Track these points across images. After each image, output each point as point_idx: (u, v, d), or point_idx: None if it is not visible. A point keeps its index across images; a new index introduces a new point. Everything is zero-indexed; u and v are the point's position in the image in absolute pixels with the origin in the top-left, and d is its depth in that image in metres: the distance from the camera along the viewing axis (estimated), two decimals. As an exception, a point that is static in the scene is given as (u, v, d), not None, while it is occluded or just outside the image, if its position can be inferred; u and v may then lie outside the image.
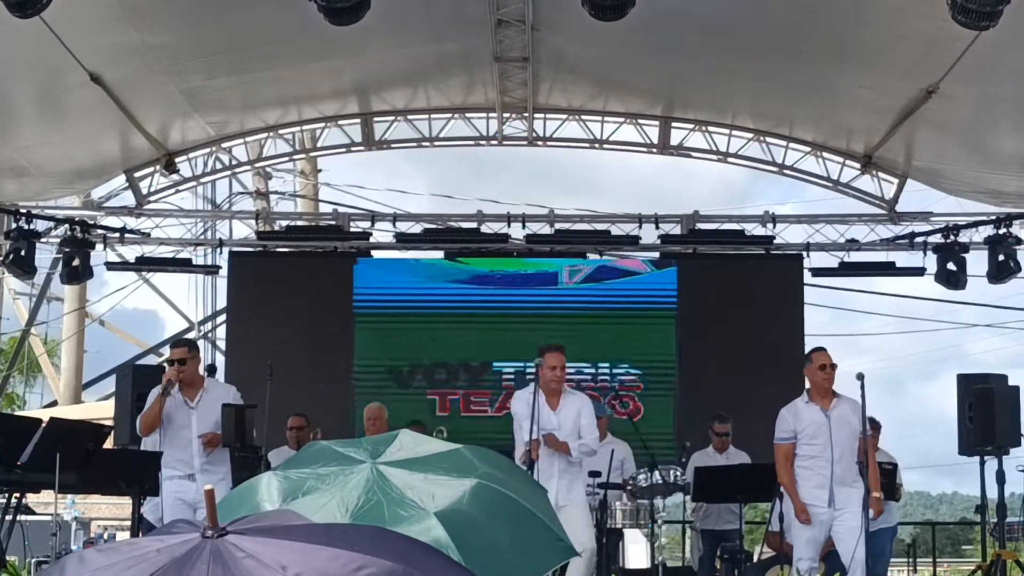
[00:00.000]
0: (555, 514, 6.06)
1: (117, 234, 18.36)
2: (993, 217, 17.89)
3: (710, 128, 18.40)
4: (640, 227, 18.57)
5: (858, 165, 18.22)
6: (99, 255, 18.40)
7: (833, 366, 11.56)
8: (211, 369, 12.77)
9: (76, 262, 17.88)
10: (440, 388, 18.36)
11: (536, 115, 18.22)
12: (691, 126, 18.45)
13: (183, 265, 19.18)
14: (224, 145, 18.52)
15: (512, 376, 18.13)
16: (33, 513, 14.84)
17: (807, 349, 18.03)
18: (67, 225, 17.94)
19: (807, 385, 11.82)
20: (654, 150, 18.69)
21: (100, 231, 18.29)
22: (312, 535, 2.96)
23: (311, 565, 2.75)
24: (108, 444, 12.73)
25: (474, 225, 18.81)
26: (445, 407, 18.32)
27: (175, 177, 18.49)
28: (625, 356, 18.38)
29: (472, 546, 5.00)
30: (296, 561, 2.76)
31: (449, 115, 18.43)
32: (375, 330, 18.48)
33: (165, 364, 12.18)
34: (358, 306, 18.38)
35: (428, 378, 18.41)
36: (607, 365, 18.29)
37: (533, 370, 12.07)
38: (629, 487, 13.14)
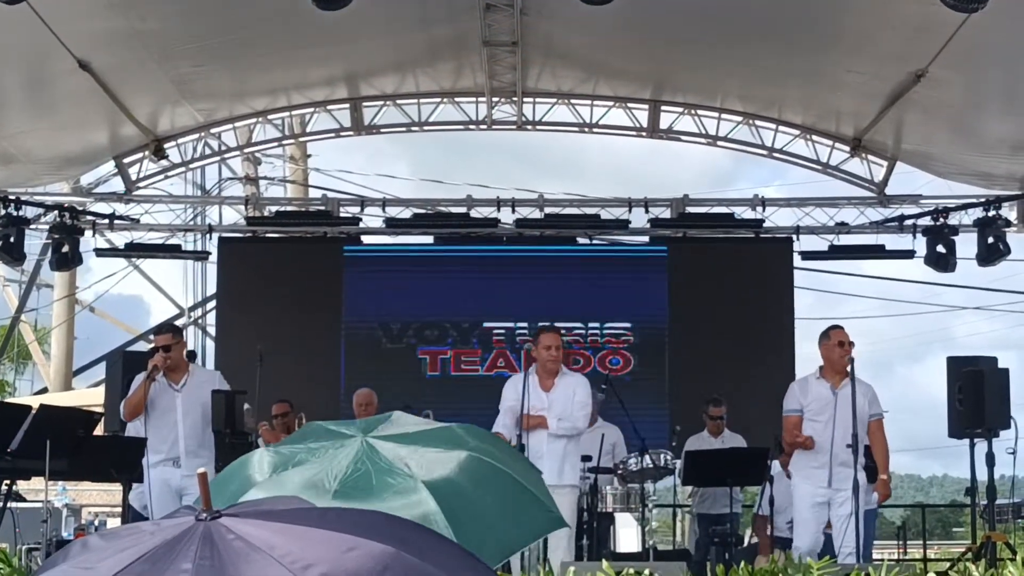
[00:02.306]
0: (547, 490, 6.09)
1: (106, 220, 18.33)
2: (982, 200, 17.91)
3: (699, 111, 18.39)
4: (630, 211, 18.58)
5: (847, 148, 18.20)
6: (88, 241, 18.39)
7: (851, 344, 11.58)
8: (191, 355, 12.76)
9: (65, 248, 17.86)
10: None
11: (525, 99, 18.21)
12: (680, 110, 18.43)
13: (172, 251, 19.14)
14: (213, 131, 18.49)
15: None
16: (24, 500, 14.83)
17: (797, 332, 18.20)
18: (56, 211, 17.91)
19: (820, 362, 11.81)
20: (643, 134, 18.68)
21: (89, 217, 18.27)
22: (306, 518, 2.97)
23: (301, 547, 2.77)
24: (99, 431, 12.75)
25: (463, 210, 18.81)
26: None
27: (164, 163, 18.46)
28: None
29: (460, 512, 5.06)
30: (286, 543, 2.78)
31: (438, 100, 18.41)
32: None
33: (151, 350, 12.17)
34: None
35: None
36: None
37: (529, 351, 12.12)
38: (620, 471, 13.17)
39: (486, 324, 18.33)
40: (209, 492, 3.03)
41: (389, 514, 3.41)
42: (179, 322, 25.31)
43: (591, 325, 18.27)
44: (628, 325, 18.31)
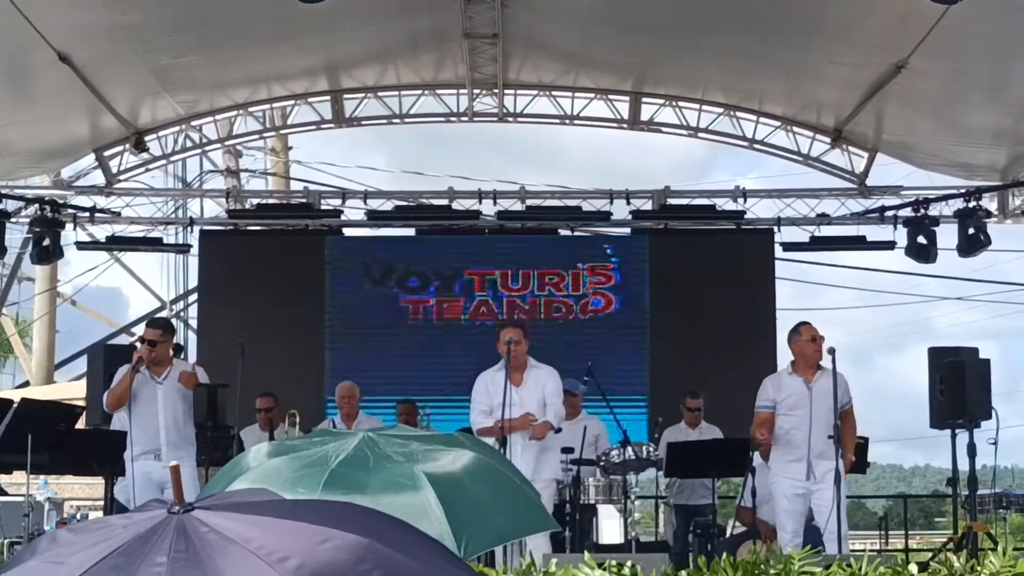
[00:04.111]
0: (540, 496, 6.15)
1: (87, 213, 18.30)
2: (963, 190, 17.94)
3: (680, 103, 18.39)
4: (611, 203, 18.57)
5: (828, 139, 18.22)
6: (69, 235, 18.35)
7: (822, 338, 11.64)
8: (177, 348, 12.74)
9: (46, 242, 17.82)
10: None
11: (506, 91, 18.20)
12: (661, 101, 18.44)
13: (154, 244, 19.12)
14: (194, 123, 18.46)
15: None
16: (5, 494, 14.81)
17: (779, 324, 18.20)
18: (37, 205, 17.87)
19: (791, 357, 11.84)
20: (624, 126, 18.69)
21: (70, 211, 18.22)
22: (278, 510, 2.97)
23: (275, 539, 2.76)
24: (81, 424, 12.73)
25: (445, 202, 18.80)
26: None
27: (145, 156, 18.42)
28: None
29: (454, 498, 5.14)
30: (260, 535, 2.77)
31: (419, 92, 18.39)
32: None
33: (136, 343, 12.16)
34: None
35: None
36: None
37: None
38: (602, 463, 13.18)
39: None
40: (182, 485, 3.03)
41: (361, 506, 3.41)
42: (161, 315, 25.26)
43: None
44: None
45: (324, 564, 2.74)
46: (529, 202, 18.75)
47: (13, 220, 18.10)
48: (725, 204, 18.68)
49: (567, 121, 18.72)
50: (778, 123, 18.39)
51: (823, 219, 18.49)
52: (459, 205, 18.67)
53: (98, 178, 18.59)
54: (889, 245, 18.17)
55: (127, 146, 18.08)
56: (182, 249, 20.02)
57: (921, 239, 17.86)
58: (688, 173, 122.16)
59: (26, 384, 30.03)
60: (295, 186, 25.63)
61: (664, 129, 18.75)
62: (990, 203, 18.11)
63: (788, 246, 18.49)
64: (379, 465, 5.24)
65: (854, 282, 25.93)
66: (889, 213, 18.16)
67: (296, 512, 2.97)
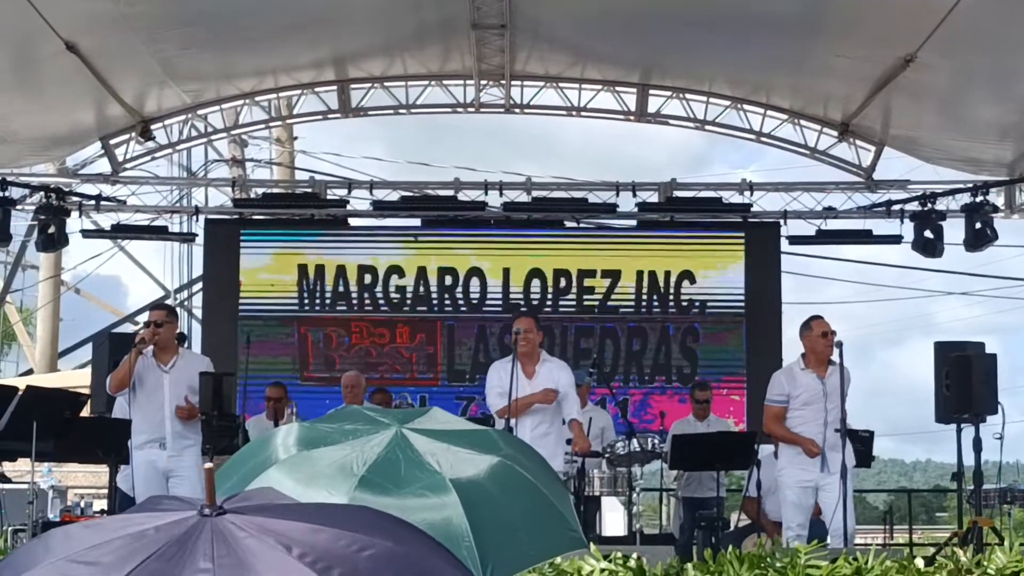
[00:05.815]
0: (572, 506, 6.08)
1: (93, 202, 18.27)
2: (970, 185, 17.90)
3: (687, 95, 18.35)
4: (617, 195, 18.54)
5: (835, 133, 18.19)
6: (74, 222, 18.32)
7: (833, 333, 11.58)
8: (181, 337, 12.69)
9: (51, 230, 17.80)
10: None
11: (513, 83, 18.17)
12: (668, 93, 18.39)
13: (159, 233, 19.08)
14: (200, 112, 18.42)
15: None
16: (9, 481, 14.80)
17: (784, 317, 18.20)
18: (42, 192, 17.85)
19: (802, 351, 11.80)
20: (631, 118, 18.64)
21: (76, 198, 18.21)
22: (306, 515, 2.95)
23: (314, 546, 2.75)
24: (85, 412, 12.72)
25: (451, 193, 18.76)
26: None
27: (151, 144, 18.40)
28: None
29: (483, 517, 5.01)
30: (299, 541, 2.76)
31: (426, 82, 18.36)
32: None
33: (142, 327, 12.13)
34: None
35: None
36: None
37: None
38: (607, 455, 13.17)
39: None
40: (215, 489, 2.98)
41: (384, 512, 3.38)
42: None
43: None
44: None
45: (366, 574, 2.74)
46: (535, 193, 18.70)
47: (18, 208, 18.09)
48: (731, 197, 18.64)
49: (574, 113, 18.68)
50: (785, 116, 18.36)
51: (829, 213, 18.46)
52: (464, 196, 18.63)
53: (104, 166, 18.58)
54: (895, 239, 18.13)
55: (133, 135, 18.07)
56: (187, 238, 19.99)
57: (928, 233, 17.81)
58: (688, 165, 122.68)
59: (30, 372, 30.01)
60: (300, 176, 25.60)
61: (671, 122, 18.70)
62: (997, 198, 18.08)
63: (794, 239, 18.45)
64: (410, 474, 5.11)
65: (855, 276, 25.86)
66: (896, 207, 18.13)
67: (323, 517, 2.95)
